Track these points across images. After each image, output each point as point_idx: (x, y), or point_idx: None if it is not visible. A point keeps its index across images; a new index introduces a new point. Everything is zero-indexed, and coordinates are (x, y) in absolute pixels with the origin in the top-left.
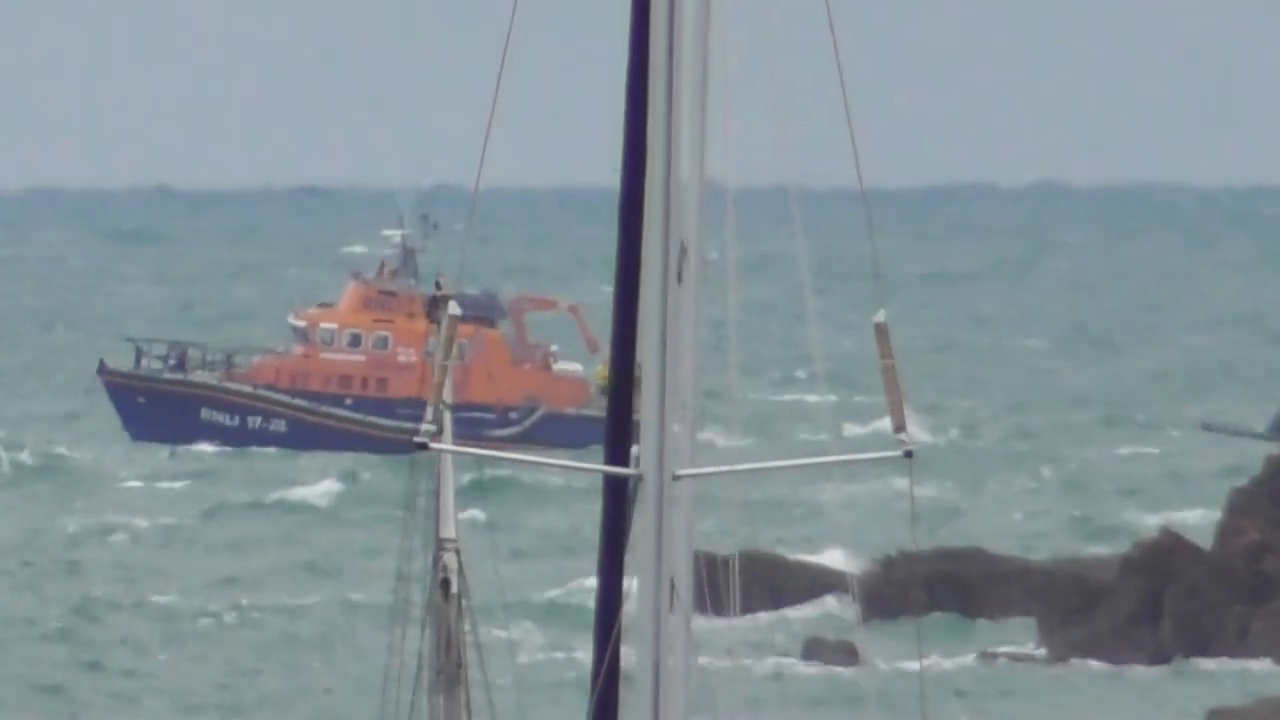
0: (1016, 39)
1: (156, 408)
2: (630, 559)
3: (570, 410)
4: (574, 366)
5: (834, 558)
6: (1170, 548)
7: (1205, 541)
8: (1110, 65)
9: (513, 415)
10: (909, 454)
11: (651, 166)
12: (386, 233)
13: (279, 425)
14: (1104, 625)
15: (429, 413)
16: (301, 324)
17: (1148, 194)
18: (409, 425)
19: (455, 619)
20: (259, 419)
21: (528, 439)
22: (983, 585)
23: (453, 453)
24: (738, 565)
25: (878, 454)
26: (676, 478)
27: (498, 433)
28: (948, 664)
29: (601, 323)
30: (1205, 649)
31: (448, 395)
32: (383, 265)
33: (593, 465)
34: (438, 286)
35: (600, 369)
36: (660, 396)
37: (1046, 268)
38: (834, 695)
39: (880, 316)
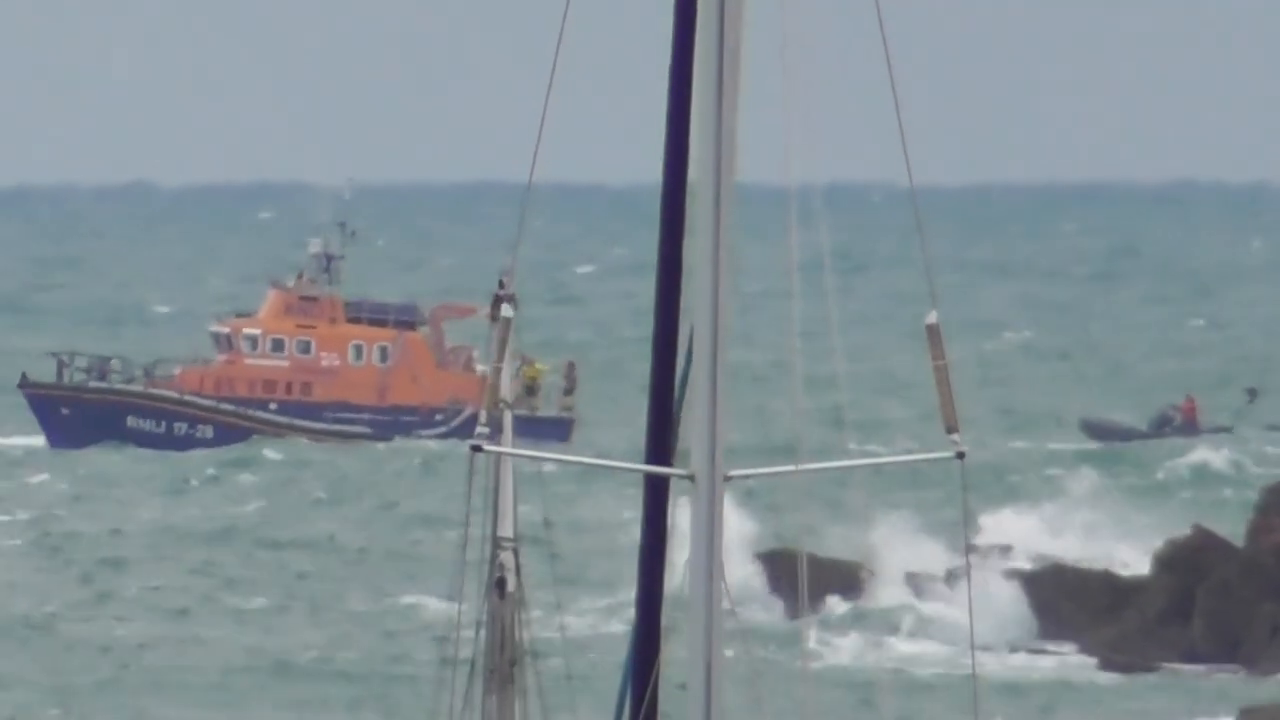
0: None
1: (81, 417)
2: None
3: None
4: None
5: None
6: (1201, 545)
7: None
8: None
9: (438, 416)
10: (961, 455)
11: (700, 160)
12: (309, 240)
13: (206, 431)
14: (1134, 624)
15: (483, 415)
16: (224, 331)
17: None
18: (336, 428)
19: (510, 619)
20: (185, 425)
21: (454, 439)
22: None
23: (509, 455)
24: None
25: (931, 455)
26: (728, 479)
27: (425, 433)
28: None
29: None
30: (1236, 647)
31: (509, 396)
32: (301, 273)
33: (640, 465)
34: (501, 285)
35: (526, 369)
36: (712, 393)
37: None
38: (876, 693)
39: (932, 318)
